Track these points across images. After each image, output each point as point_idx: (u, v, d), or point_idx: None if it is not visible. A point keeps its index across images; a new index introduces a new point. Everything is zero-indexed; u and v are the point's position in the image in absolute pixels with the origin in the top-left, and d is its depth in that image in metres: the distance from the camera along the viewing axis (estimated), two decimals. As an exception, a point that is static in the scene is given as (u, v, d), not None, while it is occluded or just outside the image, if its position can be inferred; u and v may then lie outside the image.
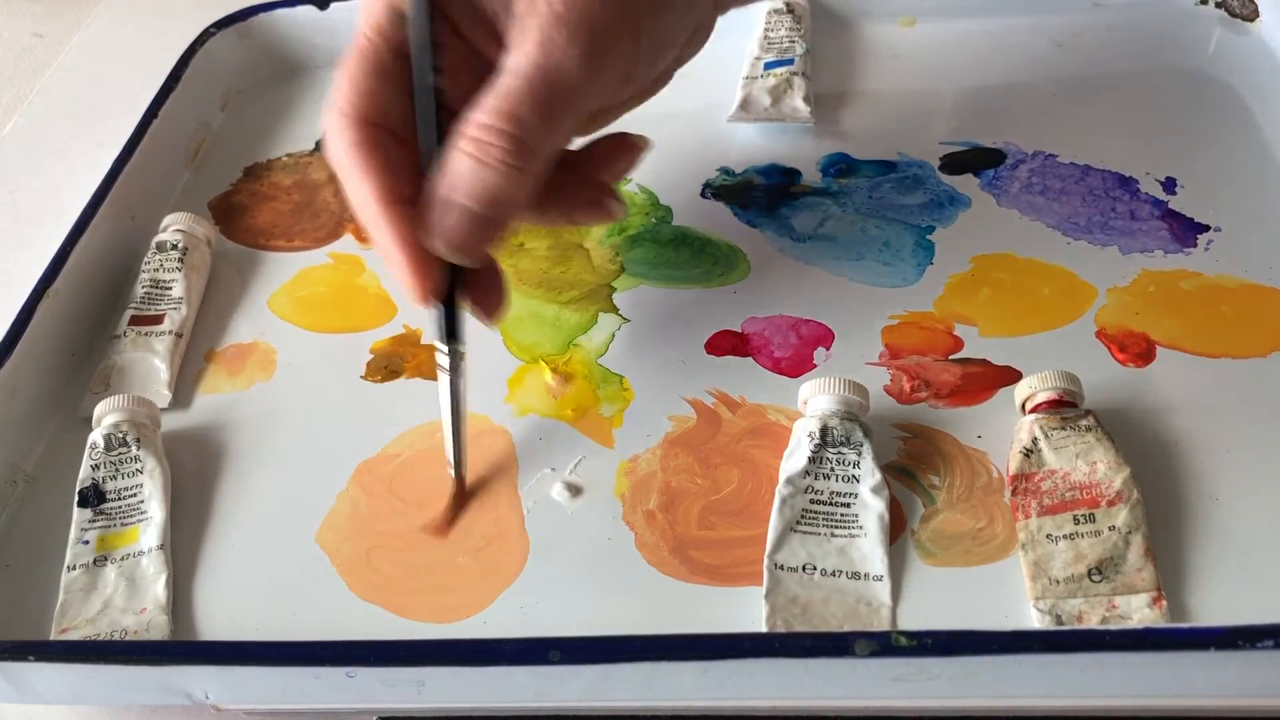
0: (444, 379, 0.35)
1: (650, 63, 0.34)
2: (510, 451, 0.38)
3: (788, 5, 0.53)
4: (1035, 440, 0.34)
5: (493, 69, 0.32)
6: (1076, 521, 0.33)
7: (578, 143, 0.36)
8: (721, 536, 0.35)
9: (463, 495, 0.37)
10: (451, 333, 0.34)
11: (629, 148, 0.36)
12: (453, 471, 0.36)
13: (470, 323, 0.42)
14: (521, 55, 0.31)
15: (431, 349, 0.42)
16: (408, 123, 0.33)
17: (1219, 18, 0.52)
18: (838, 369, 0.39)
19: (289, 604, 0.35)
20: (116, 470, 0.37)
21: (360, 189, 0.32)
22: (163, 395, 0.41)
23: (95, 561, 0.35)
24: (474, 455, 0.38)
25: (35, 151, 0.58)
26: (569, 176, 0.35)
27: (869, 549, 0.33)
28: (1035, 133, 0.48)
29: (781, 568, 0.33)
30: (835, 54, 0.53)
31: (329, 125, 0.33)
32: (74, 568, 0.35)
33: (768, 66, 0.51)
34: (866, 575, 0.33)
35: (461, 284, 0.34)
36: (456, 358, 0.35)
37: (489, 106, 0.31)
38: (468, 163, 0.31)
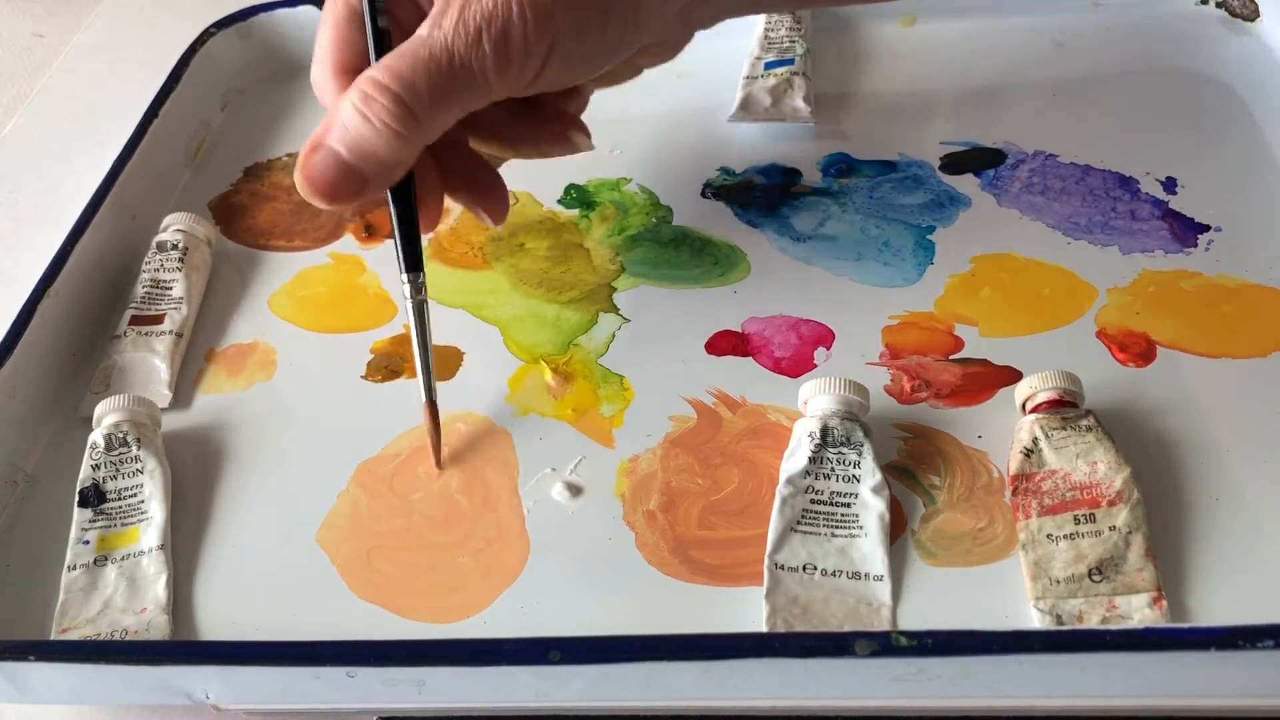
0: (409, 309, 0.37)
1: (569, 74, 0.34)
2: (510, 451, 0.38)
3: (788, 5, 0.53)
4: (1036, 440, 0.34)
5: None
6: (1077, 521, 0.33)
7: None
8: (722, 536, 0.35)
9: (436, 421, 0.37)
10: (411, 264, 0.36)
11: (574, 92, 0.38)
12: (423, 397, 0.37)
13: (478, 325, 0.43)
14: (435, 30, 0.31)
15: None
16: None
17: (1219, 18, 0.52)
18: (838, 369, 0.39)
19: (289, 604, 0.35)
20: (117, 470, 0.37)
21: None
22: (163, 395, 0.41)
23: (95, 561, 0.35)
24: (474, 455, 0.38)
25: (35, 151, 0.58)
26: (537, 112, 0.36)
27: (869, 549, 0.33)
28: (1035, 133, 0.48)
29: (782, 568, 0.33)
30: (835, 54, 0.53)
31: (312, 75, 0.35)
32: (74, 568, 0.35)
33: (768, 66, 0.51)
34: (867, 575, 0.33)
35: (464, 187, 0.36)
36: (416, 288, 0.36)
37: (387, 65, 0.31)
38: (350, 112, 0.31)
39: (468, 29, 0.31)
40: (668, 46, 0.37)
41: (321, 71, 0.35)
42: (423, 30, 0.32)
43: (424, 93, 0.31)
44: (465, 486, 0.37)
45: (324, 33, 0.35)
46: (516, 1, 0.31)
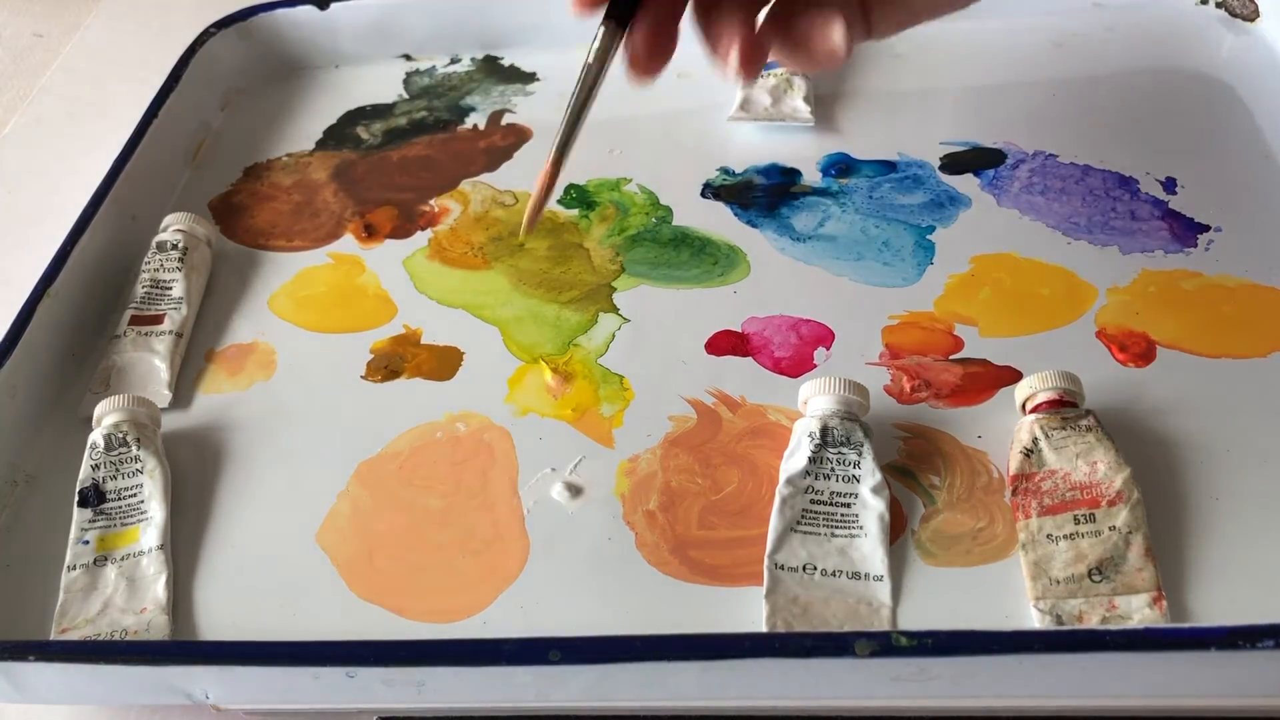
0: (589, 59, 0.32)
1: None
2: (510, 451, 0.38)
3: (788, 5, 0.53)
4: (1035, 440, 0.34)
5: None
6: (1077, 521, 0.33)
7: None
8: (722, 536, 0.35)
9: (552, 184, 0.34)
10: (616, 15, 0.31)
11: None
12: (554, 151, 0.33)
13: (478, 325, 0.43)
14: None
15: (429, 347, 0.42)
16: None
17: (1219, 18, 0.52)
18: (838, 369, 0.39)
19: (289, 604, 0.35)
20: (117, 470, 0.37)
21: None
22: (163, 395, 0.41)
23: (95, 561, 0.35)
24: (472, 454, 0.38)
25: (35, 151, 0.58)
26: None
27: (869, 549, 0.33)
28: (1035, 133, 0.48)
29: (782, 568, 0.33)
30: (835, 54, 0.53)
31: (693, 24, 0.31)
32: (74, 568, 0.35)
33: (768, 66, 0.51)
34: (867, 575, 0.33)
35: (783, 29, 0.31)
36: (610, 40, 0.31)
37: None
38: None
39: None
40: None
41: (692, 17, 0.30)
42: None
43: None
44: (465, 486, 0.37)
45: None
46: None
